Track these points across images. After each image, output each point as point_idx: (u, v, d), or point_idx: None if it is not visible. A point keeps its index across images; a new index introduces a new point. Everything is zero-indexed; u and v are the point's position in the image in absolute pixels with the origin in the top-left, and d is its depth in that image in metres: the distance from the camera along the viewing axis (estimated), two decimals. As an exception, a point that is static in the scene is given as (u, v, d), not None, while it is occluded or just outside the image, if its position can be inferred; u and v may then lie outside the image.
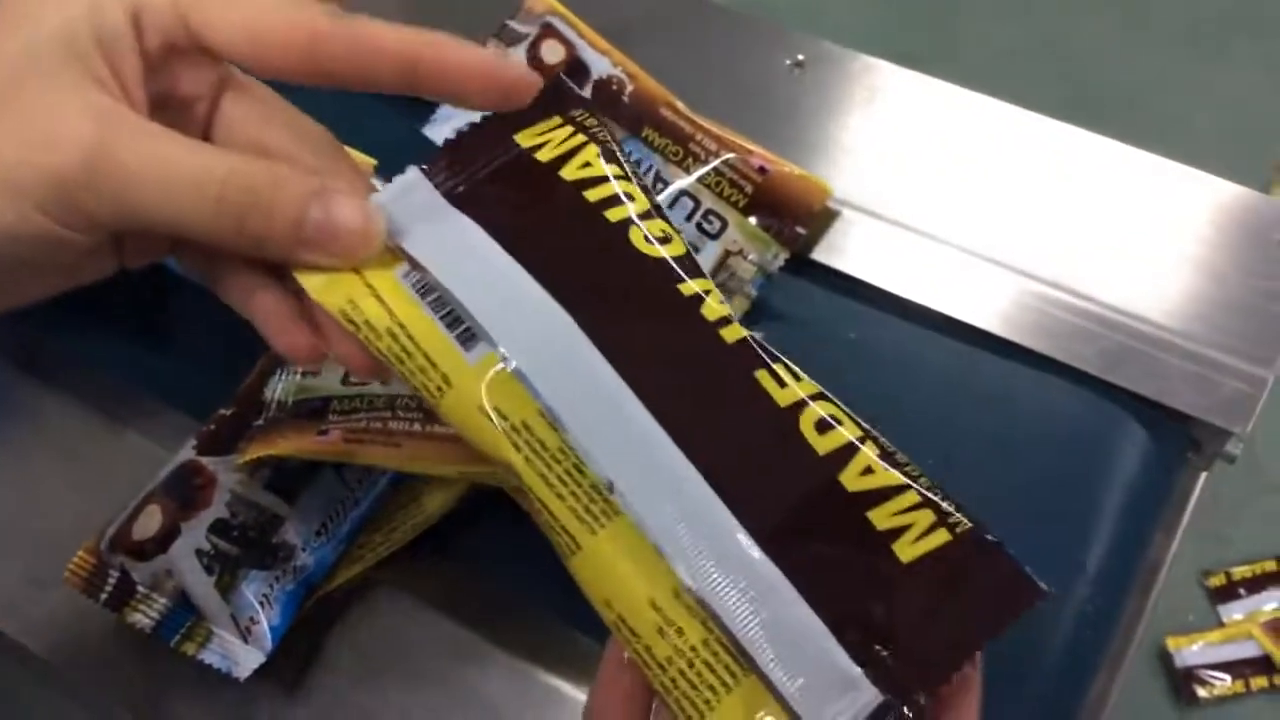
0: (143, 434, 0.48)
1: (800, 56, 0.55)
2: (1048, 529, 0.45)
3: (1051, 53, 1.55)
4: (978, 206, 0.52)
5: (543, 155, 0.31)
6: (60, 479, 0.48)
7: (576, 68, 0.54)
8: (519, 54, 0.54)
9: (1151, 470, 0.47)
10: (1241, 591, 1.19)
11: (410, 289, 0.30)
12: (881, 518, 0.28)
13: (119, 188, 0.27)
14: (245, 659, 0.41)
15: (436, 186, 0.31)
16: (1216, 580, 1.20)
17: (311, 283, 0.30)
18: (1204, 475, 0.51)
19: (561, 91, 0.33)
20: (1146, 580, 0.49)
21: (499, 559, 0.45)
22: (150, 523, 0.42)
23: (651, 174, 0.51)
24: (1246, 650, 1.16)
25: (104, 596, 0.41)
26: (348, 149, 0.34)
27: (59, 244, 0.28)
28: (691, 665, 0.27)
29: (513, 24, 0.55)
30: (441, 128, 0.55)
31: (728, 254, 0.50)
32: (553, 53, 0.54)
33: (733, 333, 0.30)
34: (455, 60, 0.30)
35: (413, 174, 0.31)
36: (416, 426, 0.42)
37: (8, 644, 0.44)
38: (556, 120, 0.33)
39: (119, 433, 0.48)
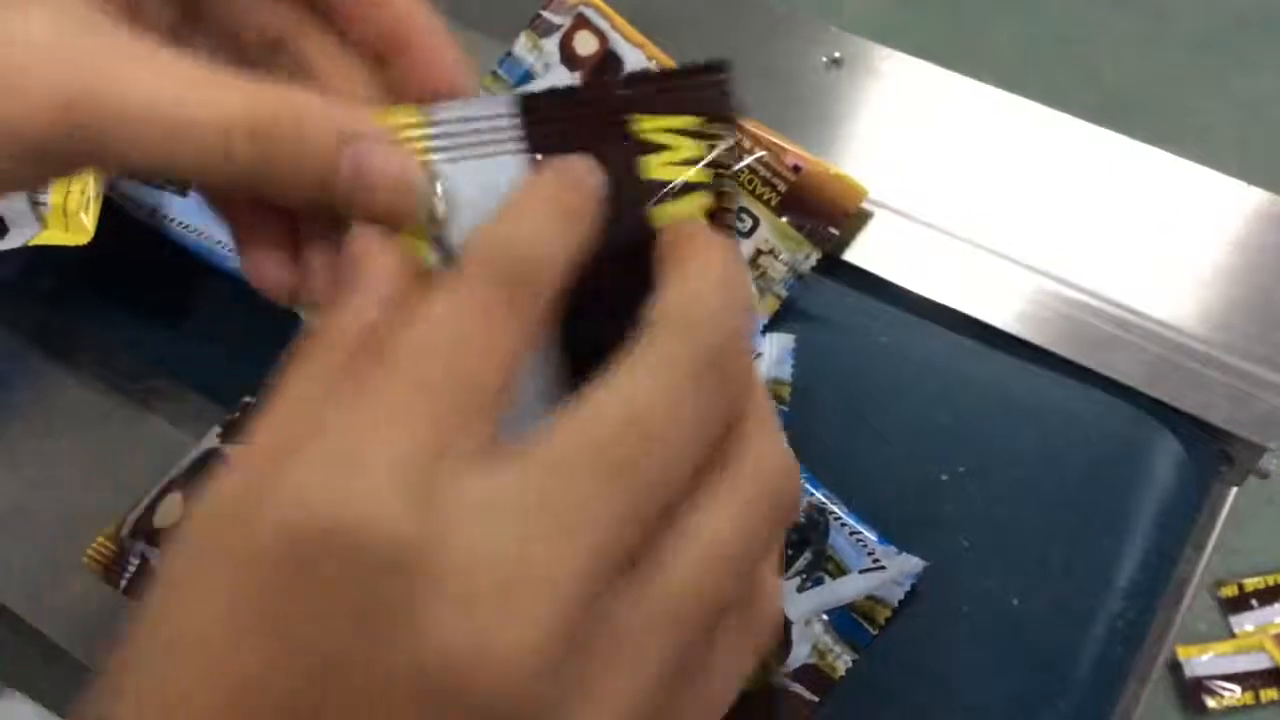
0: (166, 419, 0.48)
1: (837, 54, 0.55)
2: (1080, 542, 0.44)
3: (1068, 51, 1.54)
4: (1014, 211, 0.51)
5: (650, 167, 0.26)
6: (82, 463, 0.47)
7: (610, 60, 0.53)
8: (552, 45, 0.54)
9: (1186, 484, 0.46)
10: (1253, 603, 1.19)
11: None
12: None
13: (101, 136, 0.23)
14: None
15: (509, 131, 0.26)
16: (1228, 591, 1.19)
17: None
18: (1234, 490, 0.51)
19: (717, 85, 0.27)
20: (1174, 595, 0.48)
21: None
22: (172, 510, 0.42)
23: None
24: (1257, 662, 1.15)
25: (124, 584, 0.41)
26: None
27: None
28: None
29: (546, 14, 0.54)
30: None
31: (759, 253, 0.49)
32: (586, 44, 0.53)
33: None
34: None
35: (488, 107, 0.27)
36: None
37: (25, 629, 0.44)
38: (694, 123, 0.27)
39: (142, 418, 0.48)
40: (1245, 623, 1.18)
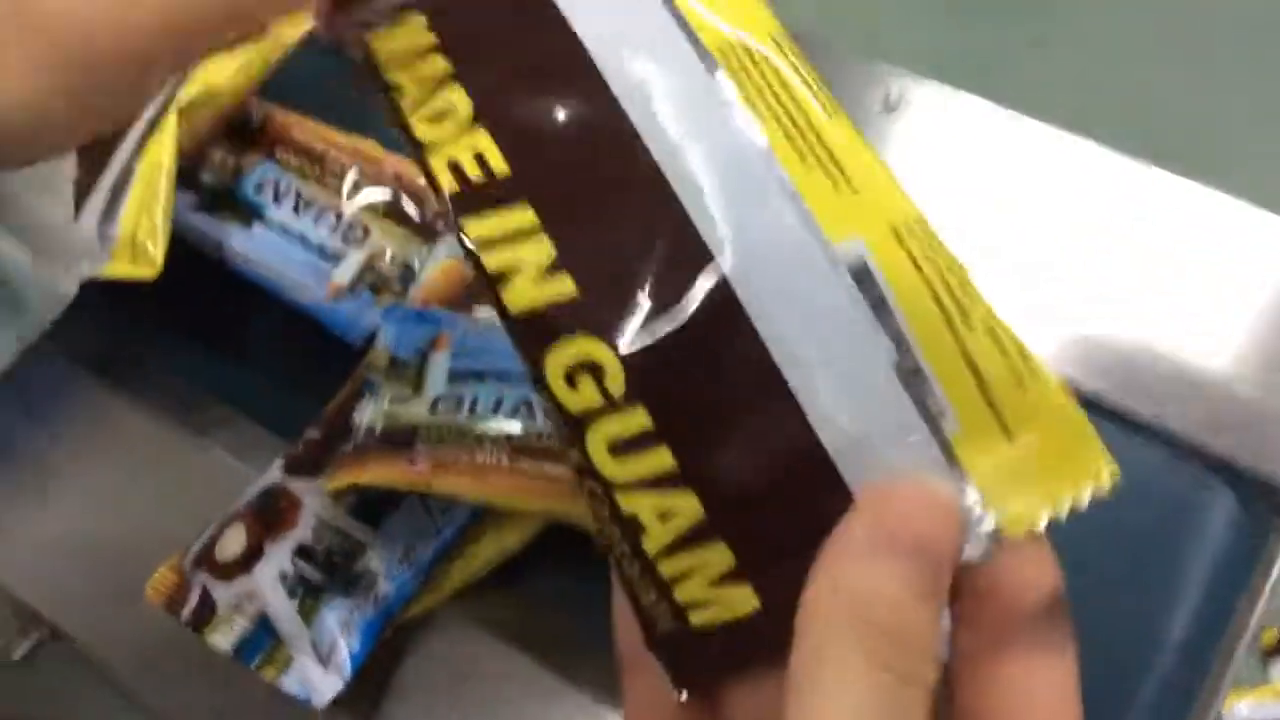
0: (228, 450, 0.48)
1: (894, 93, 0.55)
2: (1132, 596, 0.44)
3: (1117, 86, 1.53)
4: (1074, 256, 0.51)
5: None
6: (144, 493, 0.48)
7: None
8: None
9: (1240, 538, 0.46)
10: (1293, 649, 1.17)
11: None
12: None
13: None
14: (324, 686, 0.41)
15: None
16: (1268, 637, 1.17)
17: None
18: (1289, 543, 0.50)
19: None
20: (1226, 652, 0.48)
21: (575, 594, 0.45)
22: (234, 543, 0.42)
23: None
24: (1297, 710, 1.14)
25: (185, 615, 0.42)
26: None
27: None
28: None
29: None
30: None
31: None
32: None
33: None
34: None
35: None
36: (504, 461, 0.41)
37: (87, 657, 0.45)
38: None
39: (204, 448, 0.48)
40: (1284, 669, 1.16)
